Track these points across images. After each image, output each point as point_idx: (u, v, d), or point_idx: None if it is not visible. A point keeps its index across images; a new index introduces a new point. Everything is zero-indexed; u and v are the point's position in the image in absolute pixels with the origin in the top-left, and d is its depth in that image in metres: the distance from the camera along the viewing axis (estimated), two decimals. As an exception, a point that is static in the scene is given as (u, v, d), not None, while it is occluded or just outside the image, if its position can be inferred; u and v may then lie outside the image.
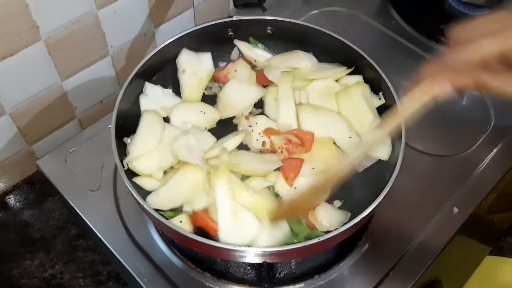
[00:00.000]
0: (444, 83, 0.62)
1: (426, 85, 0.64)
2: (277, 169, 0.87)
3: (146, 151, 0.85)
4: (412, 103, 0.66)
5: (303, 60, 0.99)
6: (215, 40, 1.01)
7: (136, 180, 0.83)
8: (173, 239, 0.87)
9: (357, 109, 0.92)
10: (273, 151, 0.89)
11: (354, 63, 0.96)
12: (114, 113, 0.83)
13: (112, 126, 0.81)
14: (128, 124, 0.89)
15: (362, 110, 0.92)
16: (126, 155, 0.84)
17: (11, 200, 1.10)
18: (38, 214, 1.07)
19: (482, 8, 1.22)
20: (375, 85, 0.94)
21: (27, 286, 0.98)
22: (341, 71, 0.97)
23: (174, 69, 0.99)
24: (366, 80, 0.96)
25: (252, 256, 0.75)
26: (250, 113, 0.95)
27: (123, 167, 0.80)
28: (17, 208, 1.08)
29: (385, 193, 0.76)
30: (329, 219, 0.82)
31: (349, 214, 0.83)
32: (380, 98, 0.94)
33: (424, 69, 0.65)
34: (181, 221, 0.79)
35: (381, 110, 0.93)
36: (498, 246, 1.37)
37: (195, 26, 0.98)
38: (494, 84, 0.59)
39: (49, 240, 1.04)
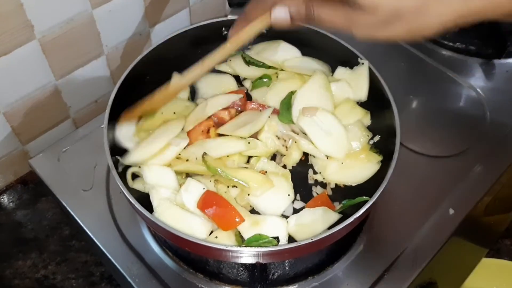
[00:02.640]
0: (279, 8, 0.65)
1: (263, 7, 0.67)
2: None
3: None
4: (254, 23, 0.70)
5: (284, 52, 1.00)
6: (210, 40, 1.00)
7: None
8: (165, 239, 0.86)
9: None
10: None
11: (349, 64, 0.96)
12: (107, 112, 0.83)
13: (104, 125, 0.81)
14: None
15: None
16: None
17: (4, 200, 1.09)
18: (32, 214, 1.07)
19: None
20: (372, 86, 0.93)
21: (19, 287, 0.98)
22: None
23: (169, 68, 0.98)
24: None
25: (244, 257, 0.74)
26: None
27: (116, 169, 0.80)
28: (10, 208, 1.08)
29: (379, 193, 0.76)
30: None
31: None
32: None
33: (246, 12, 0.69)
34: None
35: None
36: (495, 248, 1.37)
37: (190, 25, 0.98)
38: (323, 14, 0.62)
39: (42, 240, 1.03)
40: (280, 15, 0.66)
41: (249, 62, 0.99)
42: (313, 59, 1.00)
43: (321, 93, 0.92)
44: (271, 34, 1.01)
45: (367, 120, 0.94)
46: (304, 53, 1.01)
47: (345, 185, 0.88)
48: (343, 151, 0.88)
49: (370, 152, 0.88)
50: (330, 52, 0.98)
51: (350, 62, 0.96)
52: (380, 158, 0.86)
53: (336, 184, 0.88)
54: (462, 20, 0.59)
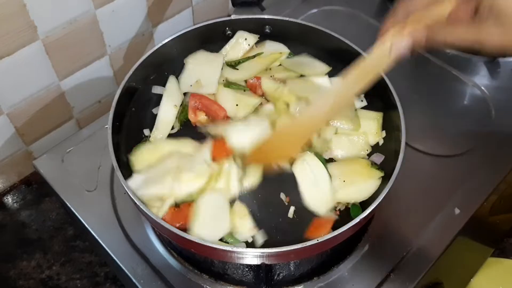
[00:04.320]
0: (400, 38, 0.65)
1: (386, 40, 0.67)
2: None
3: None
4: (375, 58, 0.70)
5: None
6: (213, 39, 1.00)
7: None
8: (170, 240, 0.86)
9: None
10: None
11: (353, 63, 0.95)
12: (111, 113, 0.82)
13: (108, 126, 0.81)
14: (126, 123, 0.88)
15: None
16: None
17: (9, 200, 1.09)
18: (35, 214, 1.07)
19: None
20: (375, 85, 0.93)
21: (23, 287, 0.98)
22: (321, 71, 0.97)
23: (173, 68, 0.98)
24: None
25: (249, 258, 0.74)
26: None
27: (120, 169, 0.79)
28: (14, 209, 1.08)
29: (385, 193, 0.75)
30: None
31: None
32: (362, 100, 0.94)
33: (386, 23, 0.69)
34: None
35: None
36: (501, 248, 1.36)
37: (193, 25, 0.97)
38: (448, 37, 0.63)
39: (46, 241, 1.03)
40: (400, 46, 0.66)
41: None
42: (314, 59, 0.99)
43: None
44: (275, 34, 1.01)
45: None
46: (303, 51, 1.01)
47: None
48: (325, 208, 0.82)
49: (371, 169, 0.85)
50: (333, 52, 0.97)
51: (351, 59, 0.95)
52: (381, 174, 0.84)
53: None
54: None
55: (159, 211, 0.77)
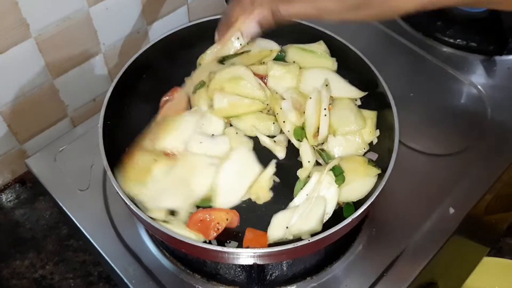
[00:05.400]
0: (248, 22, 0.75)
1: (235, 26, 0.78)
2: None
3: None
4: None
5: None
6: (208, 37, 0.99)
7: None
8: (162, 240, 0.85)
9: None
10: None
11: (349, 61, 0.95)
12: (102, 111, 0.82)
13: (100, 125, 0.80)
14: (119, 122, 0.87)
15: None
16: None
17: (2, 199, 1.09)
18: (29, 213, 1.06)
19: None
20: (371, 84, 0.92)
21: (16, 287, 0.97)
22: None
23: (166, 66, 0.97)
24: (362, 80, 0.94)
25: (241, 258, 0.73)
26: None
27: (112, 169, 0.78)
28: (8, 208, 1.07)
29: (378, 192, 0.75)
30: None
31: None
32: (356, 100, 0.94)
33: (227, 13, 0.79)
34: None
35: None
36: (497, 247, 1.36)
37: (187, 22, 0.97)
38: (291, 10, 0.70)
39: (40, 240, 1.03)
40: (250, 30, 0.75)
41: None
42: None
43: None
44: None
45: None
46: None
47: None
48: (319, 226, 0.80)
49: (368, 166, 0.84)
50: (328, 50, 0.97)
51: (349, 58, 0.95)
52: (378, 171, 0.83)
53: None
54: (427, 7, 0.63)
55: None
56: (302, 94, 0.92)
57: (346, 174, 0.83)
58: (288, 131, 0.89)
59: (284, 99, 0.91)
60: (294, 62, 0.96)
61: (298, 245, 0.70)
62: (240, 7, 0.79)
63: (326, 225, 0.79)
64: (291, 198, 0.82)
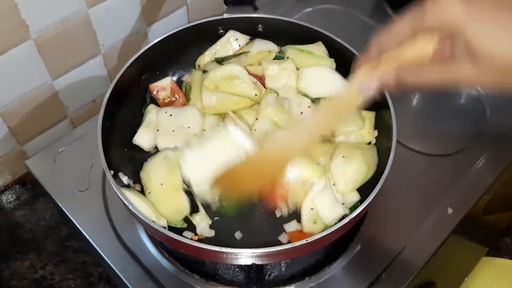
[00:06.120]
0: (370, 82, 0.62)
1: (356, 80, 0.64)
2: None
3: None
4: (346, 97, 0.66)
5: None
6: (207, 38, 1.00)
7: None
8: (161, 240, 0.86)
9: None
10: None
11: (347, 62, 0.95)
12: (101, 112, 0.82)
13: (98, 126, 0.80)
14: (118, 123, 0.88)
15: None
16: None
17: (2, 200, 1.09)
18: (30, 214, 1.07)
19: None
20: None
21: (17, 288, 0.98)
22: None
23: (165, 67, 0.98)
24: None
25: (239, 258, 0.73)
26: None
27: (110, 171, 0.79)
28: (8, 209, 1.08)
29: (376, 192, 0.75)
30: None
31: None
32: None
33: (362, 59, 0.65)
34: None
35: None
36: (496, 247, 1.36)
37: (186, 24, 0.97)
38: (419, 78, 0.58)
39: (40, 240, 1.03)
40: (368, 93, 0.63)
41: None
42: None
43: None
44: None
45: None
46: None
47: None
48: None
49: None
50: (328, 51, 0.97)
51: (348, 59, 0.95)
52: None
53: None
54: None
55: None
56: (300, 95, 0.93)
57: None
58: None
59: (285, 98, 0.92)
60: (287, 57, 0.97)
61: (295, 245, 0.70)
62: (367, 55, 0.64)
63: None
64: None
